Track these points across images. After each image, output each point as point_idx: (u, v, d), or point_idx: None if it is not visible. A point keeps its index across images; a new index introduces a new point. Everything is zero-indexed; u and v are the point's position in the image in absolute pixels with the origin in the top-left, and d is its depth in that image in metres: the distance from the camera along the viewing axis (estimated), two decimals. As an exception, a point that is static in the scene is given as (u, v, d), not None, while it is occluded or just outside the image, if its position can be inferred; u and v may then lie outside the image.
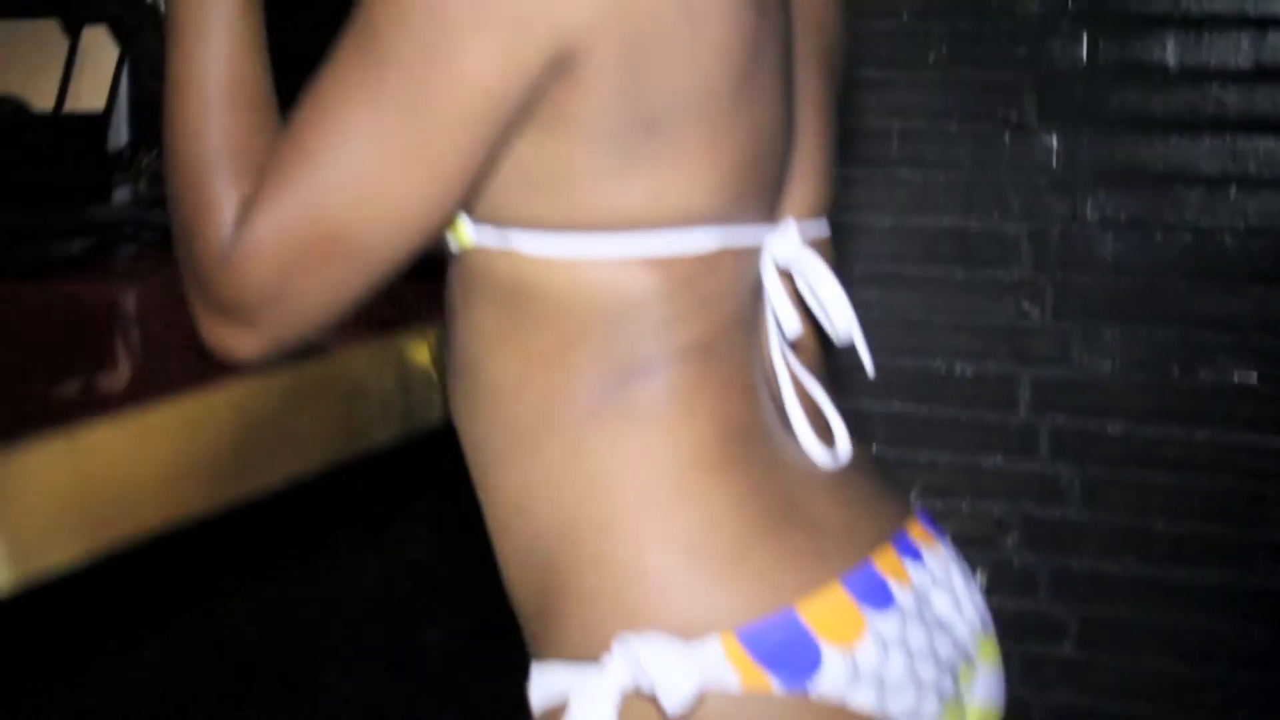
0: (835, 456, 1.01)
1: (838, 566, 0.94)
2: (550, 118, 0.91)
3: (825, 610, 0.92)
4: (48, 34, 2.70)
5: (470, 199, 0.94)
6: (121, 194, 2.04)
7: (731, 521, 0.94)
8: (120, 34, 2.54)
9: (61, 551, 0.85)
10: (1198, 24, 2.23)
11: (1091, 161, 2.32)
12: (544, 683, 0.94)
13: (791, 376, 1.04)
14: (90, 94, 2.67)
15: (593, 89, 0.90)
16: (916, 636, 0.96)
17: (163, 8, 0.98)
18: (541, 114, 0.91)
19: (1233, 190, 2.25)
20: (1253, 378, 2.27)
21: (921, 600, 0.99)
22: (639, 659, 0.88)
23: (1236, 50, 2.22)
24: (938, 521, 1.08)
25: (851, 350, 1.04)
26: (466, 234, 0.96)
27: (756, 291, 1.02)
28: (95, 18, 2.57)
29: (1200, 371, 2.30)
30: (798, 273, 1.03)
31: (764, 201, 1.02)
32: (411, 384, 1.23)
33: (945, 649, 0.99)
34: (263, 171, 0.92)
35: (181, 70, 0.97)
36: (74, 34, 2.63)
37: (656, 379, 0.95)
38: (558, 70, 0.89)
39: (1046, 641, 2.41)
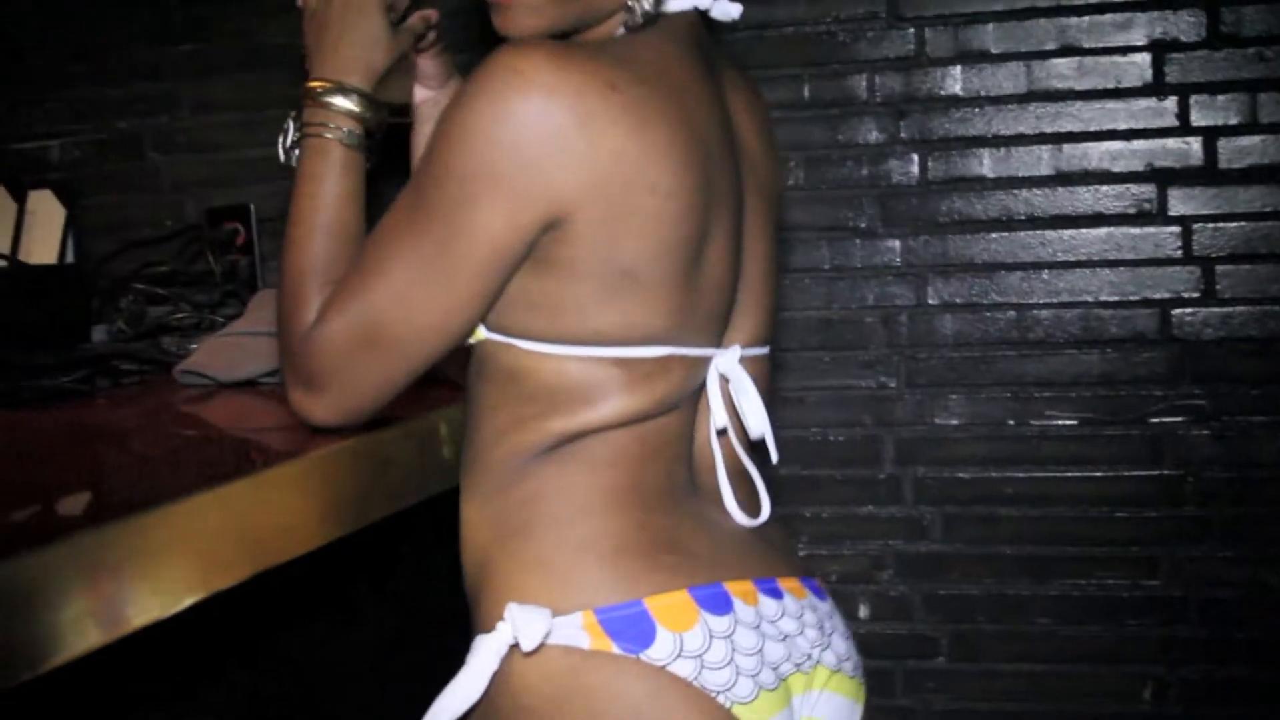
0: (756, 519, 1.23)
1: (692, 581, 1.13)
2: (544, 261, 1.11)
3: (667, 605, 1.11)
4: (-4, 196, 2.86)
5: (484, 313, 1.15)
6: (98, 333, 2.25)
7: (614, 538, 1.13)
8: (64, 196, 2.72)
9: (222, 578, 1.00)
10: (1007, 142, 2.55)
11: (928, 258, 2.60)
12: (470, 654, 1.12)
13: (725, 454, 1.24)
14: (39, 249, 2.85)
15: (577, 243, 1.10)
16: (746, 638, 1.14)
17: (292, 162, 1.32)
18: (539, 258, 1.11)
19: (1045, 273, 2.55)
20: (1073, 423, 2.53)
21: (764, 619, 1.16)
22: (516, 621, 1.08)
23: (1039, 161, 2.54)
24: (821, 585, 1.27)
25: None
26: (480, 331, 1.17)
27: (702, 392, 1.23)
28: (39, 183, 2.75)
29: (1030, 422, 2.57)
30: (732, 383, 1.23)
31: (713, 327, 1.21)
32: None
33: (775, 654, 1.16)
34: (338, 283, 1.17)
35: (300, 207, 1.24)
36: (20, 198, 2.81)
37: (600, 440, 1.15)
38: (550, 228, 1.09)
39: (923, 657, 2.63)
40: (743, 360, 1.24)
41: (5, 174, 2.84)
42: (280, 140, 1.33)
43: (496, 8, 1.20)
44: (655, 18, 1.19)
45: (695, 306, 1.17)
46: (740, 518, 1.22)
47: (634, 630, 1.10)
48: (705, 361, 1.21)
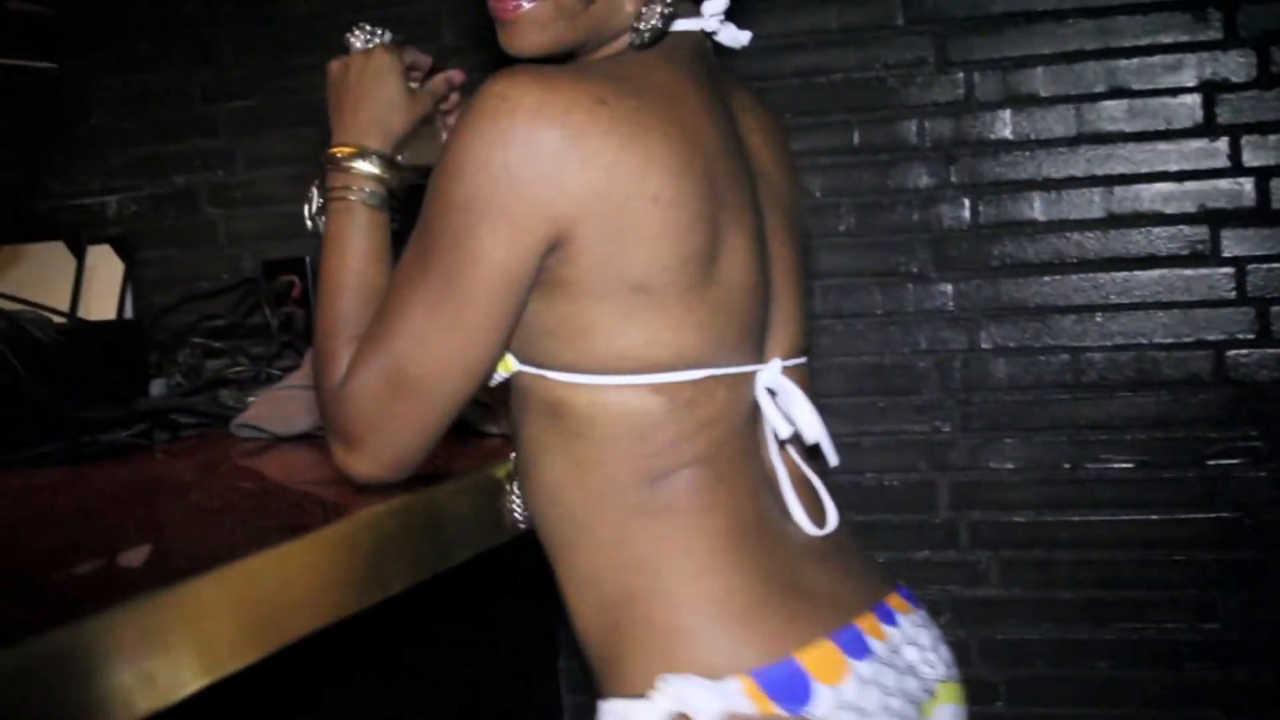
0: (825, 527, 1.22)
1: (828, 626, 1.13)
2: (554, 283, 1.11)
3: (817, 658, 1.11)
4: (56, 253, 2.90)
5: (504, 343, 1.14)
6: (157, 387, 2.26)
7: (744, 592, 1.12)
8: (122, 251, 2.74)
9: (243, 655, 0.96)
10: (1058, 185, 2.55)
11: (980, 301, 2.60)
12: (608, 716, 1.12)
13: (787, 469, 1.22)
14: (98, 304, 2.88)
15: (582, 261, 1.09)
16: (888, 678, 1.14)
17: (319, 228, 1.37)
18: (548, 280, 1.11)
19: (1098, 316, 2.55)
20: (1129, 466, 2.51)
21: (893, 652, 1.17)
22: (679, 693, 1.06)
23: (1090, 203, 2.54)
24: (911, 592, 1.26)
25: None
26: (511, 362, 1.17)
27: (754, 411, 1.20)
28: (98, 238, 2.78)
29: (1085, 466, 2.56)
30: (780, 395, 1.21)
31: (749, 342, 1.19)
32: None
33: (911, 687, 1.17)
34: (362, 337, 1.18)
35: (328, 268, 1.26)
36: (79, 253, 2.84)
37: (676, 484, 1.13)
38: (554, 248, 1.09)
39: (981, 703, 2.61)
40: (784, 372, 1.24)
41: (65, 230, 2.90)
42: (306, 207, 1.36)
43: (503, 24, 1.21)
44: (662, 35, 1.20)
45: (722, 321, 1.16)
46: (809, 528, 1.21)
47: (793, 689, 1.09)
48: (747, 379, 1.20)
